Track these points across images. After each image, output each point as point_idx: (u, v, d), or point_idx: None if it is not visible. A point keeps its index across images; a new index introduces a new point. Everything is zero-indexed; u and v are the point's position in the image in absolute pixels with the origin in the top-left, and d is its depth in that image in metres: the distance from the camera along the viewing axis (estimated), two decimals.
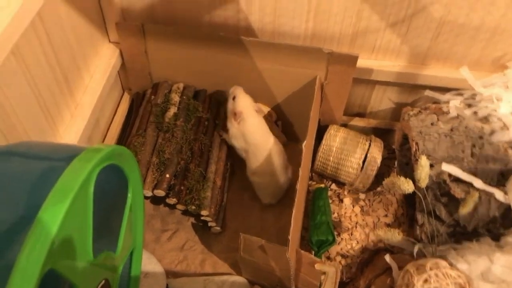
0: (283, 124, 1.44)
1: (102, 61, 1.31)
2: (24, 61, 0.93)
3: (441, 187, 1.11)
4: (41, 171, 0.68)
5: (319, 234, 1.25)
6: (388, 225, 1.33)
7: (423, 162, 1.05)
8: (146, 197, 1.27)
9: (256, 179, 1.31)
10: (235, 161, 1.41)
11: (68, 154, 0.70)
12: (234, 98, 1.28)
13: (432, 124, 1.18)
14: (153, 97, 1.37)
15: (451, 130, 1.16)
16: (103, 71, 1.29)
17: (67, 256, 0.64)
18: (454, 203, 1.11)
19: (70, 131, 1.15)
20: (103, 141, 1.37)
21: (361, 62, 1.24)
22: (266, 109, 1.40)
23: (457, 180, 1.10)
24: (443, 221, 1.14)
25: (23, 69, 0.93)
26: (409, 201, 1.32)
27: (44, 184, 0.64)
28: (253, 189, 1.34)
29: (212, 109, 1.39)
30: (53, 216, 0.60)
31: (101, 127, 1.36)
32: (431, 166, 1.11)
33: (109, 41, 1.36)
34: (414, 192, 1.07)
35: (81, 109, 1.20)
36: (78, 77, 1.20)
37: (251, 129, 1.27)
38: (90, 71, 1.26)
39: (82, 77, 1.22)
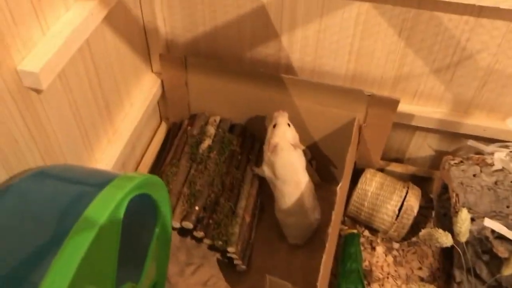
0: (318, 163, 1.42)
1: (144, 90, 1.33)
2: (68, 85, 0.96)
3: (483, 244, 1.05)
4: (74, 195, 0.68)
5: (348, 282, 1.19)
6: (422, 279, 1.26)
7: (464, 215, 1.00)
8: (173, 229, 1.25)
9: (282, 217, 1.28)
10: (266, 199, 1.39)
11: (101, 180, 0.70)
12: (275, 126, 1.23)
13: (474, 175, 1.13)
14: (189, 128, 1.38)
15: (495, 183, 1.10)
16: (143, 99, 1.31)
17: (91, 282, 0.63)
18: (496, 262, 1.04)
19: (105, 156, 1.17)
20: (136, 168, 1.38)
21: (402, 107, 1.21)
22: (301, 148, 1.38)
23: (500, 237, 1.03)
24: (484, 281, 1.06)
25: (67, 92, 0.96)
26: (446, 255, 1.25)
27: (75, 208, 0.64)
28: (280, 227, 1.31)
29: (247, 144, 1.39)
30: (79, 243, 0.59)
31: (136, 154, 1.37)
32: (472, 220, 1.05)
33: (152, 71, 1.39)
34: (452, 246, 1.01)
35: (118, 135, 1.22)
36: (119, 104, 1.22)
37: (281, 163, 1.22)
38: (131, 99, 1.28)
39: (123, 104, 1.24)
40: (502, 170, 1.12)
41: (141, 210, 0.91)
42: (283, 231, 1.31)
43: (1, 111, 0.78)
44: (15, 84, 0.80)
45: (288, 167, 1.23)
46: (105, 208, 0.64)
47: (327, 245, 0.97)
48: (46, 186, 0.71)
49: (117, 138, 1.21)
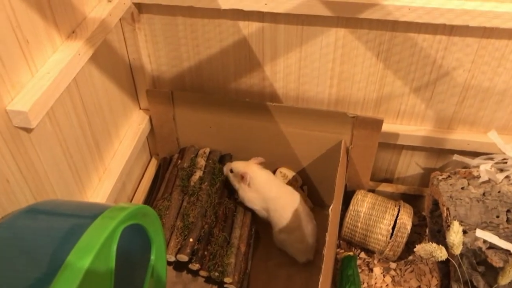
0: (309, 189, 1.43)
1: (132, 127, 1.35)
2: (58, 124, 0.97)
3: (477, 255, 1.05)
4: (67, 228, 0.69)
5: None
6: None
7: (456, 228, 1.01)
8: (169, 263, 1.24)
9: (285, 237, 1.28)
10: (260, 227, 1.39)
11: (94, 212, 0.70)
12: (231, 171, 1.31)
13: (462, 188, 1.14)
14: (179, 161, 1.39)
15: (483, 194, 1.12)
16: (132, 136, 1.33)
17: None
18: (492, 272, 1.04)
19: (97, 194, 1.17)
20: None
21: (386, 127, 1.24)
22: (291, 174, 1.40)
23: (493, 247, 1.04)
24: None
25: (56, 132, 0.97)
26: (443, 271, 1.25)
27: (69, 240, 0.64)
28: (283, 253, 1.30)
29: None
30: (73, 273, 0.59)
31: (127, 190, 1.37)
32: (464, 232, 1.06)
33: (140, 108, 1.41)
34: (448, 261, 1.01)
35: (109, 173, 1.23)
36: (108, 142, 1.23)
37: (263, 183, 1.26)
38: (120, 136, 1.30)
39: (112, 142, 1.26)
40: (488, 181, 1.14)
41: (135, 247, 0.90)
42: (290, 253, 1.31)
43: None
44: (5, 123, 0.81)
45: (272, 183, 1.28)
46: (98, 238, 0.64)
47: (323, 266, 0.97)
48: (38, 221, 0.71)
49: (108, 176, 1.22)
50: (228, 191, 1.35)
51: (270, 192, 1.27)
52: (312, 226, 1.28)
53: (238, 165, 1.30)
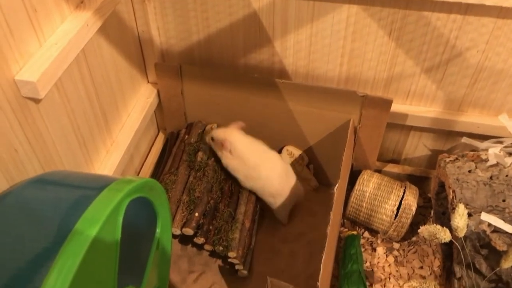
0: (315, 167, 1.43)
1: (140, 100, 1.35)
2: (66, 95, 0.97)
3: (481, 238, 1.05)
4: (74, 199, 0.69)
5: (350, 283, 1.20)
6: (423, 278, 1.26)
7: (461, 211, 1.01)
8: (174, 236, 1.25)
9: (271, 200, 1.28)
10: (265, 204, 1.39)
11: (100, 184, 0.71)
12: (212, 139, 1.28)
13: (469, 171, 1.14)
14: (186, 136, 1.39)
15: (491, 178, 1.11)
16: (140, 110, 1.33)
17: (91, 285, 0.63)
18: (495, 256, 1.05)
19: (104, 167, 1.18)
20: None
21: (396, 107, 1.23)
22: (297, 152, 1.39)
23: (498, 231, 1.04)
24: (484, 276, 1.07)
25: (64, 102, 0.97)
26: (446, 253, 1.26)
27: (75, 211, 0.65)
28: (287, 230, 1.32)
29: None
30: (79, 244, 0.60)
31: (135, 164, 1.38)
32: (469, 215, 1.06)
33: (148, 82, 1.41)
34: (451, 243, 1.01)
35: (116, 145, 1.23)
36: (116, 115, 1.23)
37: (244, 149, 1.24)
38: (128, 110, 1.30)
39: (120, 115, 1.26)
40: (496, 165, 1.13)
41: (141, 219, 0.91)
42: (277, 215, 1.32)
43: (0, 120, 0.79)
44: (14, 94, 0.81)
45: (253, 148, 1.26)
46: (104, 209, 0.64)
47: (326, 245, 0.98)
48: (46, 191, 0.72)
49: (115, 149, 1.22)
50: None
51: (251, 158, 1.24)
52: (297, 191, 1.29)
53: (219, 133, 1.26)
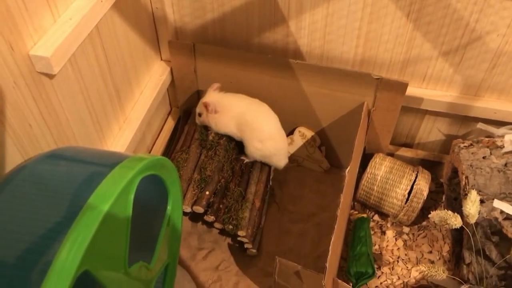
0: (327, 149, 1.42)
1: (153, 77, 1.35)
2: (79, 71, 0.97)
3: (492, 225, 1.04)
4: (86, 175, 0.70)
5: (358, 265, 1.20)
6: (432, 262, 1.26)
7: (473, 197, 1.00)
8: (185, 213, 1.27)
9: (260, 145, 1.29)
10: (275, 184, 1.40)
11: (112, 161, 0.71)
12: (199, 115, 1.32)
13: (484, 158, 1.12)
14: None
15: (505, 165, 1.09)
16: (153, 87, 1.33)
17: (103, 260, 0.64)
18: (506, 243, 1.04)
19: (117, 143, 1.18)
20: None
21: (411, 90, 1.21)
22: (310, 134, 1.39)
23: (510, 218, 1.03)
24: (494, 262, 1.06)
25: (78, 78, 0.98)
26: (456, 238, 1.25)
27: (88, 187, 0.66)
28: (297, 210, 1.32)
29: None
30: (91, 219, 0.61)
31: (147, 141, 1.39)
32: (482, 202, 1.05)
33: (161, 59, 1.40)
34: (461, 229, 1.01)
35: (129, 122, 1.24)
36: (129, 92, 1.24)
37: (228, 102, 1.28)
38: (141, 87, 1.30)
39: (133, 92, 1.26)
40: None
41: (153, 196, 0.92)
42: (268, 161, 1.34)
43: (15, 95, 0.80)
44: (28, 69, 0.82)
45: (236, 98, 1.30)
46: (116, 186, 0.65)
47: (335, 226, 0.98)
48: (59, 166, 0.72)
49: (128, 125, 1.23)
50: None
51: (238, 107, 1.28)
52: (284, 133, 1.33)
53: (199, 104, 1.32)
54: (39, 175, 0.70)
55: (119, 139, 1.20)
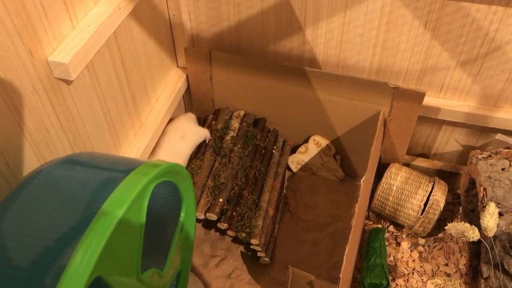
0: (342, 158, 1.41)
1: (169, 84, 1.36)
2: (97, 78, 0.99)
3: (511, 239, 1.02)
4: (101, 180, 0.70)
5: (372, 277, 1.19)
6: (448, 275, 1.24)
7: (491, 209, 0.98)
8: (198, 220, 1.27)
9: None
10: (289, 192, 1.39)
11: (127, 167, 0.72)
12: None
13: (503, 169, 1.10)
14: (213, 122, 1.40)
15: None
16: (169, 94, 1.34)
17: (116, 266, 0.65)
18: None
19: (132, 150, 1.19)
20: None
21: (428, 100, 1.20)
22: (324, 142, 1.38)
23: None
24: None
25: (95, 85, 0.99)
26: (474, 251, 1.23)
27: (102, 193, 0.66)
28: (310, 219, 1.31)
29: (270, 138, 1.39)
30: (105, 225, 0.61)
31: None
32: (500, 214, 1.02)
33: (177, 66, 1.41)
34: (479, 242, 0.99)
35: (144, 129, 1.25)
36: (145, 98, 1.24)
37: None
38: (157, 94, 1.31)
39: (149, 99, 1.27)
40: None
41: (167, 203, 0.93)
42: None
43: (33, 100, 0.81)
44: (46, 75, 0.83)
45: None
46: (130, 193, 0.65)
47: (350, 237, 0.97)
48: (75, 172, 0.73)
49: (143, 132, 1.24)
50: (260, 155, 1.35)
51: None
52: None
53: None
54: (54, 180, 0.70)
55: (134, 145, 1.20)
